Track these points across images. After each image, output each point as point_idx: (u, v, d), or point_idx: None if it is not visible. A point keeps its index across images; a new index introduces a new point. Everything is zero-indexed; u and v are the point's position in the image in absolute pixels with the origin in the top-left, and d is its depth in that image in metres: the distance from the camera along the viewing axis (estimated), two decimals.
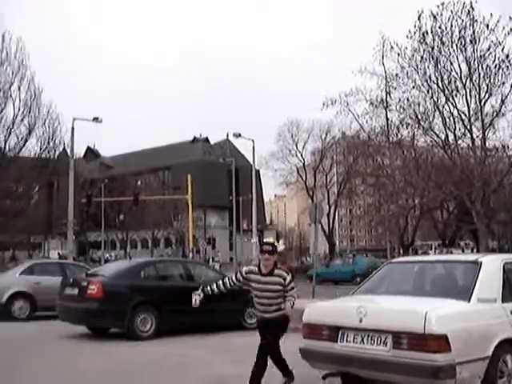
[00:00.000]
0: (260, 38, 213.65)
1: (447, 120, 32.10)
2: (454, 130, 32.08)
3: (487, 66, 30.52)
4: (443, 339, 5.80)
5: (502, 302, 6.62)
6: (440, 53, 31.12)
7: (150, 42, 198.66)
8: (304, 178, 65.99)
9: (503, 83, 30.67)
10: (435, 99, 31.90)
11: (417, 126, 33.20)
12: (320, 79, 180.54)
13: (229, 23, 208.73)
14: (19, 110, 25.41)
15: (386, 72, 33.89)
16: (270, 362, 7.46)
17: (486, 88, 30.75)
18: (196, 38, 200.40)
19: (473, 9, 30.07)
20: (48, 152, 26.51)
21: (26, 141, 25.84)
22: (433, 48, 31.11)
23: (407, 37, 31.48)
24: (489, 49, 30.31)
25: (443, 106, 32.02)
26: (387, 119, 35.36)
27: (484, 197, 31.13)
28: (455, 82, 31.22)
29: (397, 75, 32.86)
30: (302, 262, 79.47)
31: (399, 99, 33.41)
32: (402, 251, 43.12)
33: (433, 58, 31.30)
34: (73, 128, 34.76)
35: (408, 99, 32.87)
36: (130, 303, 12.52)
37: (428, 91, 32.01)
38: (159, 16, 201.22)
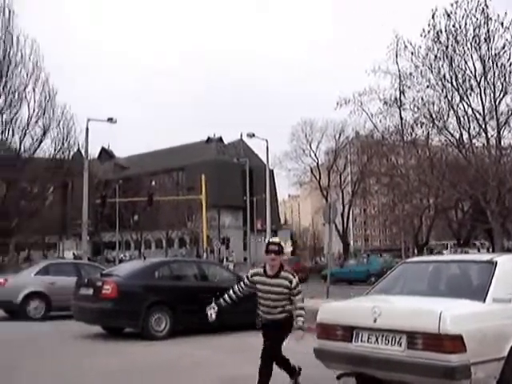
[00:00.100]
0: (260, 38, 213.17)
1: (462, 119, 31.92)
2: (469, 129, 31.88)
3: (502, 64, 30.30)
4: (458, 339, 5.77)
5: None
6: (454, 51, 30.94)
7: (150, 41, 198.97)
8: (318, 177, 65.92)
9: None
10: (449, 98, 31.73)
11: (431, 125, 33.03)
12: (332, 79, 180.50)
13: (229, 23, 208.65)
14: (34, 111, 25.59)
15: (399, 71, 33.73)
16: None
17: (500, 87, 30.54)
18: (196, 38, 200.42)
19: (487, 7, 29.89)
20: (62, 153, 26.63)
21: (41, 142, 26.00)
22: (447, 47, 30.94)
23: (421, 35, 31.34)
24: (503, 47, 30.10)
25: (458, 105, 31.83)
26: (401, 118, 35.20)
27: (499, 196, 30.90)
28: (470, 80, 31.04)
29: (411, 74, 32.71)
30: (316, 261, 79.43)
31: (413, 98, 33.27)
32: (416, 251, 42.94)
33: (447, 57, 31.12)
34: (87, 129, 34.90)
35: (422, 98, 32.73)
36: (145, 303, 12.56)
37: (442, 90, 31.84)
38: (159, 16, 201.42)
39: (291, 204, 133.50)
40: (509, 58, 30.17)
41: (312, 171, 67.16)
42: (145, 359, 10.33)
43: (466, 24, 30.30)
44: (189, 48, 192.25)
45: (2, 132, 25.33)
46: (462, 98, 31.51)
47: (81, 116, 34.08)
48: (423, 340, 5.92)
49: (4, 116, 25.23)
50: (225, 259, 60.95)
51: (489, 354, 6.01)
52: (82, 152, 35.47)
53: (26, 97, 25.57)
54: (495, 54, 30.25)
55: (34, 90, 25.67)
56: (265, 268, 7.31)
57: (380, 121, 36.82)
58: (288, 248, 8.58)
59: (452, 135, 32.84)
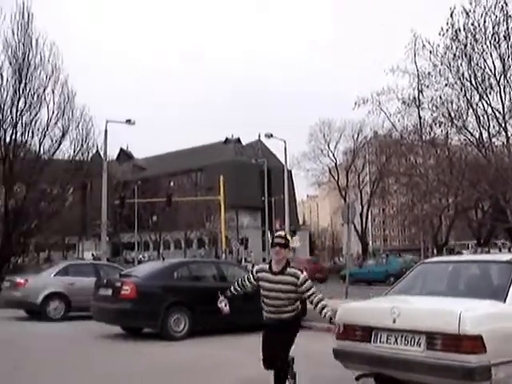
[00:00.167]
0: (260, 39, 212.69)
1: (481, 118, 31.67)
2: (488, 127, 31.62)
3: None
4: (478, 340, 5.72)
5: None
6: (473, 50, 30.71)
7: (149, 41, 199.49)
8: (336, 177, 65.82)
9: None
10: (468, 97, 31.50)
11: (450, 124, 32.82)
12: (351, 78, 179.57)
13: (229, 23, 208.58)
14: (53, 112, 25.67)
15: (418, 70, 33.58)
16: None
17: None
18: (196, 38, 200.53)
19: (506, 4, 29.59)
20: (82, 154, 26.70)
21: (60, 143, 26.06)
22: (466, 45, 30.71)
23: (439, 34, 31.12)
24: None
25: (477, 104, 31.59)
26: (420, 118, 35.03)
27: None
28: (489, 79, 30.79)
29: (429, 73, 32.53)
30: (334, 262, 79.32)
31: (432, 97, 33.07)
32: (435, 251, 42.70)
33: (466, 56, 30.90)
34: (106, 130, 35.15)
35: (441, 97, 32.52)
36: (164, 304, 12.61)
37: (461, 89, 31.62)
38: (159, 16, 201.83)
39: (310, 204, 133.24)
40: None
41: (330, 171, 67.06)
42: (164, 360, 10.36)
43: (485, 22, 30.05)
44: (188, 48, 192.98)
45: (22, 134, 25.48)
46: (481, 97, 31.27)
47: (103, 118, 34.23)
48: (443, 341, 5.89)
49: (24, 118, 25.39)
50: (243, 260, 60.97)
51: (509, 354, 5.94)
52: (101, 153, 35.73)
53: (45, 99, 25.70)
54: None
55: (53, 92, 25.79)
56: (270, 264, 7.01)
57: (398, 120, 36.68)
58: (295, 243, 8.29)
59: (471, 134, 32.61)
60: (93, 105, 34.86)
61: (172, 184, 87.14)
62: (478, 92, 31.17)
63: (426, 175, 37.51)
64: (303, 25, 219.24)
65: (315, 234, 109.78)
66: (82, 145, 26.40)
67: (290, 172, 61.58)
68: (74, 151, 26.36)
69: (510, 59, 30.08)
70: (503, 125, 31.10)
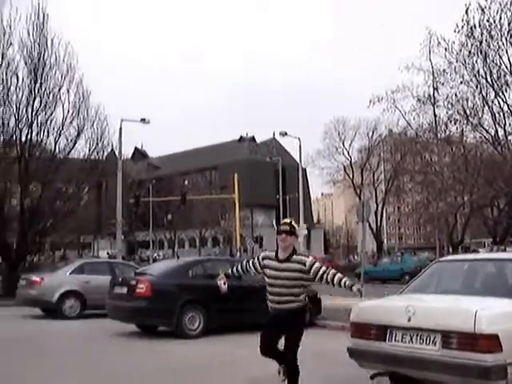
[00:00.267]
0: (260, 38, 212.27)
1: (497, 115, 31.49)
2: (504, 125, 31.44)
3: None
4: (494, 339, 5.68)
5: None
6: (489, 47, 30.52)
7: (149, 41, 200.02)
8: (351, 176, 65.69)
9: None
10: (484, 94, 31.33)
11: (465, 121, 32.66)
12: (362, 77, 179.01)
13: (229, 23, 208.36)
14: (68, 112, 25.74)
15: (433, 68, 33.45)
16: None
17: None
18: (196, 38, 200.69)
19: None
20: (97, 153, 26.77)
21: (75, 142, 26.14)
22: (481, 42, 30.53)
23: (454, 31, 30.97)
24: None
25: (492, 101, 31.42)
26: (435, 115, 34.89)
27: None
28: (505, 76, 30.59)
29: (444, 71, 32.39)
30: (349, 260, 79.12)
31: (447, 95, 32.92)
32: (451, 249, 42.50)
33: (481, 52, 30.72)
34: (120, 129, 35.30)
35: (456, 95, 32.37)
36: (179, 302, 12.64)
37: (477, 86, 31.45)
38: (159, 16, 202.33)
39: (324, 202, 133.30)
40: None
41: (345, 169, 66.96)
42: (178, 358, 10.38)
43: (500, 18, 29.86)
44: (188, 48, 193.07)
45: (38, 133, 25.61)
46: (497, 94, 31.09)
47: (118, 117, 34.42)
48: (458, 339, 5.85)
49: (39, 117, 25.49)
50: None
51: None
52: (116, 152, 35.87)
53: (60, 98, 25.78)
54: None
55: (68, 92, 25.87)
56: (276, 252, 6.90)
57: (413, 118, 36.57)
58: (302, 230, 8.11)
59: (487, 132, 32.44)
60: (106, 104, 35.00)
61: (186, 182, 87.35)
62: (493, 89, 31.00)
63: (442, 173, 37.36)
64: (303, 25, 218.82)
65: (330, 232, 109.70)
66: (97, 144, 26.47)
67: (304, 170, 61.57)
68: (89, 150, 26.44)
69: None
70: None
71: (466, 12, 30.35)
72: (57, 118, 25.79)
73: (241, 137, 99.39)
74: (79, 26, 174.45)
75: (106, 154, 28.31)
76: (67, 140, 26.02)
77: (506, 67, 30.49)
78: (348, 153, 66.82)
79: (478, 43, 30.58)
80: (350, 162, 66.63)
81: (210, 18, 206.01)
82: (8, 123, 25.51)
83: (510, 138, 32.04)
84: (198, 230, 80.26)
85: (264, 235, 73.50)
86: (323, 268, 6.74)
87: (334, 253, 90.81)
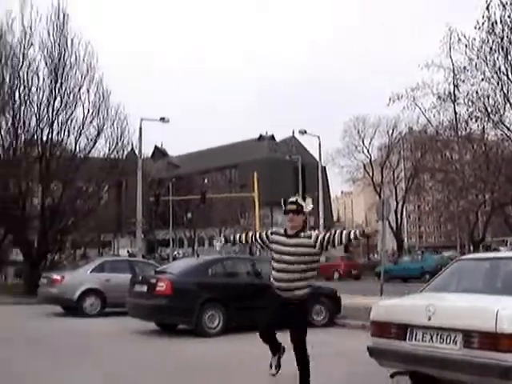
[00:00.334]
0: (260, 38, 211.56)
1: None
2: None
3: None
4: None
5: None
6: (510, 43, 30.20)
7: (149, 42, 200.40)
8: (371, 174, 65.35)
9: None
10: (505, 91, 31.03)
11: (486, 119, 32.39)
12: (383, 74, 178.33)
13: (228, 23, 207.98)
14: (88, 111, 25.89)
15: (453, 65, 33.22)
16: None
17: None
18: (196, 38, 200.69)
19: None
20: (117, 152, 26.90)
21: (96, 142, 26.28)
22: (502, 38, 30.23)
23: (475, 28, 30.69)
24: None
25: None
26: (455, 113, 34.65)
27: None
28: None
29: (465, 68, 32.15)
30: (369, 258, 78.79)
31: (468, 92, 32.66)
32: (472, 248, 42.22)
33: (502, 49, 30.42)
34: (140, 128, 35.49)
35: (477, 92, 32.09)
36: (198, 300, 12.67)
37: (498, 83, 31.16)
38: (159, 16, 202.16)
39: (344, 201, 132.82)
40: None
41: (365, 167, 66.61)
42: (198, 356, 10.40)
43: None
44: (188, 48, 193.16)
45: (58, 133, 25.79)
46: None
47: (138, 116, 34.62)
48: (479, 339, 5.80)
49: (60, 117, 25.68)
50: None
51: None
52: (136, 151, 36.05)
53: (80, 98, 25.94)
54: None
55: (88, 91, 26.02)
56: (286, 229, 6.82)
57: (434, 116, 36.37)
58: (309, 206, 7.80)
59: (508, 129, 32.16)
60: (126, 103, 35.40)
61: (206, 181, 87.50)
62: None
63: (462, 171, 37.10)
64: (303, 25, 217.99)
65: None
66: (117, 143, 26.60)
67: (324, 168, 61.41)
68: (109, 149, 26.58)
69: None
70: None
71: (487, 8, 30.08)
72: (77, 118, 25.99)
73: (260, 135, 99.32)
74: (79, 27, 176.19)
75: (126, 153, 28.44)
76: (87, 139, 26.20)
77: None
78: (368, 151, 66.51)
79: (500, 39, 30.30)
80: (370, 160, 66.31)
81: (210, 18, 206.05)
82: (29, 123, 25.78)
83: None
84: (218, 229, 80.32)
85: None
86: (328, 232, 6.76)
87: (353, 251, 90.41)
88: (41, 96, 25.58)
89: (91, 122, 25.99)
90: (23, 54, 25.46)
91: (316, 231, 6.82)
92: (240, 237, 7.26)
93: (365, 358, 7.16)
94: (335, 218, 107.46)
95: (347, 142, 66.58)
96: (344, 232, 6.67)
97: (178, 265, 15.67)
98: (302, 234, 6.69)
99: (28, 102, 25.53)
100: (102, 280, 17.71)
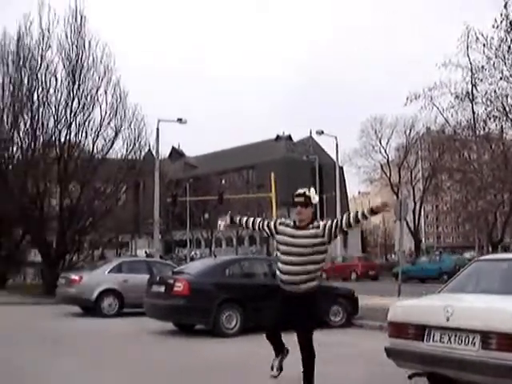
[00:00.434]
0: (260, 38, 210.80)
1: None
2: None
3: None
4: None
5: None
6: None
7: (149, 42, 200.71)
8: (388, 174, 65.08)
9: None
10: None
11: (505, 118, 32.20)
12: (400, 76, 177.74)
13: (228, 23, 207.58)
14: (106, 113, 26.00)
15: (471, 64, 33.02)
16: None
17: None
18: (196, 38, 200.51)
19: None
20: (134, 153, 26.98)
21: (113, 143, 26.39)
22: None
23: (493, 26, 30.51)
24: None
25: None
26: (473, 112, 34.45)
27: None
28: None
29: (483, 67, 31.95)
30: (387, 259, 78.63)
31: (486, 91, 32.46)
32: (490, 248, 41.95)
33: None
34: (158, 129, 35.64)
35: (495, 91, 31.90)
36: (216, 301, 12.69)
37: None
38: (159, 16, 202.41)
39: (361, 201, 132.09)
40: None
41: (382, 168, 66.35)
42: (215, 356, 10.41)
43: None
44: (188, 48, 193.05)
45: (76, 134, 25.95)
46: None
47: (155, 116, 34.76)
48: (498, 340, 5.76)
49: (78, 118, 25.81)
50: None
51: None
52: (153, 152, 36.18)
53: (98, 99, 26.05)
54: None
55: (105, 93, 26.13)
56: (294, 222, 6.70)
57: (451, 115, 36.19)
58: (315, 198, 7.69)
59: None
60: (143, 104, 35.75)
61: (223, 182, 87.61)
62: None
63: (481, 171, 36.90)
64: (303, 25, 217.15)
65: (367, 231, 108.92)
66: (134, 144, 26.68)
67: (341, 169, 61.28)
68: (127, 150, 26.67)
69: None
70: None
71: (505, 7, 29.90)
72: (95, 119, 26.11)
73: (277, 136, 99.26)
74: (95, 28, 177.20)
75: (143, 153, 28.53)
76: (105, 140, 26.31)
77: None
78: (385, 151, 66.21)
79: None
80: (388, 160, 66.04)
81: (210, 17, 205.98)
82: (47, 124, 25.93)
83: None
84: (235, 230, 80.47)
85: None
86: (334, 220, 6.59)
87: (371, 252, 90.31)
88: (59, 97, 25.74)
89: (109, 123, 26.10)
90: (41, 56, 25.63)
91: (324, 221, 6.67)
92: (247, 221, 7.11)
93: (382, 359, 7.14)
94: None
95: (364, 142, 66.38)
96: (351, 213, 6.59)
97: (196, 265, 15.71)
98: (311, 226, 6.57)
99: (46, 103, 25.69)
100: (119, 280, 17.78)
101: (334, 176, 47.29)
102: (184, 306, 12.53)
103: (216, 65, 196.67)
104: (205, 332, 13.03)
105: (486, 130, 34.64)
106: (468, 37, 32.29)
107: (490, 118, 33.03)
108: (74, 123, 25.82)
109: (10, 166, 27.02)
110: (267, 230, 6.91)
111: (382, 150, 66.16)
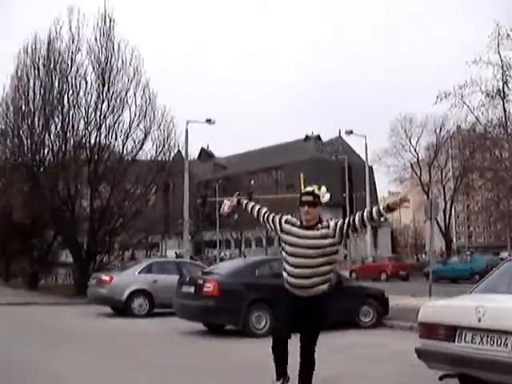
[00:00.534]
0: (260, 38, 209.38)
1: None
2: None
3: None
4: None
5: None
6: None
7: (148, 42, 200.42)
8: (418, 173, 64.57)
9: None
10: None
11: None
12: (429, 71, 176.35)
13: (228, 23, 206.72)
14: (135, 115, 26.18)
15: (502, 61, 32.66)
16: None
17: None
18: (196, 38, 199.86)
19: None
20: (163, 154, 27.13)
21: (143, 144, 26.57)
22: None
23: None
24: None
25: None
26: (505, 110, 34.10)
27: None
28: None
29: None
30: (417, 259, 78.06)
31: None
32: None
33: None
34: (187, 130, 35.79)
35: None
36: (245, 301, 12.69)
37: None
38: (159, 16, 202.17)
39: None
40: None
41: (412, 167, 65.83)
42: (245, 357, 10.42)
43: None
44: (189, 48, 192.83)
45: (106, 136, 26.16)
46: None
47: (184, 117, 34.94)
48: None
49: (107, 120, 26.02)
50: None
51: None
52: (183, 153, 36.33)
53: (127, 101, 26.25)
54: None
55: (135, 95, 26.32)
56: (301, 221, 6.27)
57: (482, 113, 35.85)
58: (326, 196, 7.36)
59: None
60: (173, 106, 35.98)
61: (253, 182, 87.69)
62: None
63: None
64: (303, 25, 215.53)
65: (397, 231, 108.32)
66: (163, 145, 26.82)
67: (371, 168, 60.93)
68: (156, 152, 26.82)
69: None
70: None
71: None
72: (124, 121, 26.30)
73: (306, 136, 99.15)
74: (124, 31, 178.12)
75: (172, 155, 28.66)
76: (134, 142, 26.49)
77: None
78: (415, 150, 65.58)
79: None
80: (418, 159, 65.47)
81: (210, 17, 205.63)
82: (78, 126, 26.18)
83: None
84: (265, 230, 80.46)
85: None
86: (347, 218, 6.21)
87: (401, 252, 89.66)
88: (89, 100, 25.99)
89: (138, 124, 26.28)
90: (71, 60, 25.89)
91: (335, 220, 6.30)
92: (252, 207, 6.71)
93: (413, 360, 7.08)
94: (382, 219, 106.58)
95: (394, 141, 65.83)
96: (365, 212, 6.16)
97: (225, 266, 15.74)
98: (320, 226, 6.19)
99: (76, 106, 25.95)
100: (149, 281, 17.88)
101: (364, 176, 47.09)
102: (214, 307, 12.56)
103: (216, 65, 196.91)
104: (234, 332, 13.05)
105: None
106: (499, 34, 31.97)
107: None
108: (103, 125, 26.05)
109: (42, 169, 27.28)
110: (271, 225, 6.52)
111: (412, 149, 65.61)
